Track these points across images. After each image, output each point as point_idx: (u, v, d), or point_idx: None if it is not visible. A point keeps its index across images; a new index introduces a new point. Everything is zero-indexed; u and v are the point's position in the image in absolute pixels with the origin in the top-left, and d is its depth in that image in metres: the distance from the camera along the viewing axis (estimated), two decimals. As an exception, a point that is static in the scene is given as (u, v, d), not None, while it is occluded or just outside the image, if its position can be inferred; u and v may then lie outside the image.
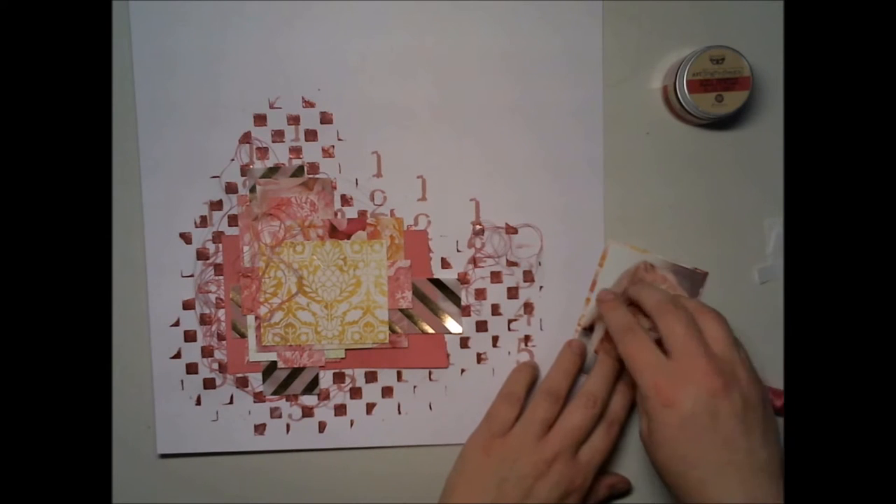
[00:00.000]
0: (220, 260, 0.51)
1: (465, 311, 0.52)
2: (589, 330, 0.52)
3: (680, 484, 0.43)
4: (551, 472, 0.46)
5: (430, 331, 0.52)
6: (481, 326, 0.52)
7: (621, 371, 0.50)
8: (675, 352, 0.44)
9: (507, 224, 0.52)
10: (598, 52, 0.51)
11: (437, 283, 0.52)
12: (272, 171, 0.51)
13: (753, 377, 0.44)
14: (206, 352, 0.52)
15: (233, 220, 0.51)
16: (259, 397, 0.52)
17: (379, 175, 0.51)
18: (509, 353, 0.52)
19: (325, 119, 0.51)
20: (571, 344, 0.51)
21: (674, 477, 0.43)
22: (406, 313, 0.52)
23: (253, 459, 0.52)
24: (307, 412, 0.52)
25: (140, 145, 0.51)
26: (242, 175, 0.51)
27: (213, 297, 0.52)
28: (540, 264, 0.52)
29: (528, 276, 0.52)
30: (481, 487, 0.47)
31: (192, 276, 0.51)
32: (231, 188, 0.51)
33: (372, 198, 0.51)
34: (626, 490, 0.52)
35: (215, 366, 0.52)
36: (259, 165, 0.51)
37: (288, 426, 0.52)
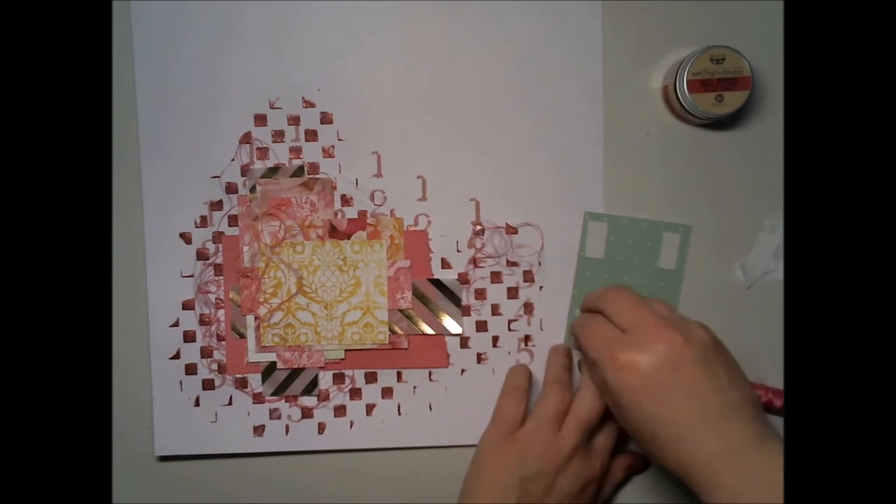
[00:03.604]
0: (219, 260, 0.51)
1: (465, 311, 0.52)
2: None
3: (656, 446, 0.42)
4: (571, 465, 0.47)
5: (430, 331, 0.52)
6: (481, 326, 0.52)
7: None
8: (626, 324, 0.44)
9: (507, 224, 0.52)
10: (598, 52, 0.51)
11: (437, 284, 0.52)
12: (272, 171, 0.51)
13: (703, 327, 0.44)
14: (206, 352, 0.52)
15: (233, 220, 0.51)
16: (258, 398, 0.52)
17: (379, 175, 0.51)
18: (509, 353, 0.52)
19: (326, 119, 0.51)
20: (556, 347, 0.51)
21: (648, 441, 0.42)
22: (406, 314, 0.52)
23: (252, 461, 0.52)
24: (307, 413, 0.52)
25: (140, 145, 0.51)
26: (243, 175, 0.51)
27: (212, 297, 0.51)
28: (540, 264, 0.52)
29: (528, 276, 0.52)
30: (503, 488, 0.46)
31: (191, 276, 0.51)
32: (231, 188, 0.51)
33: (372, 198, 0.51)
34: (642, 468, 0.52)
35: (214, 366, 0.52)
36: (259, 165, 0.51)
37: (287, 427, 0.52)
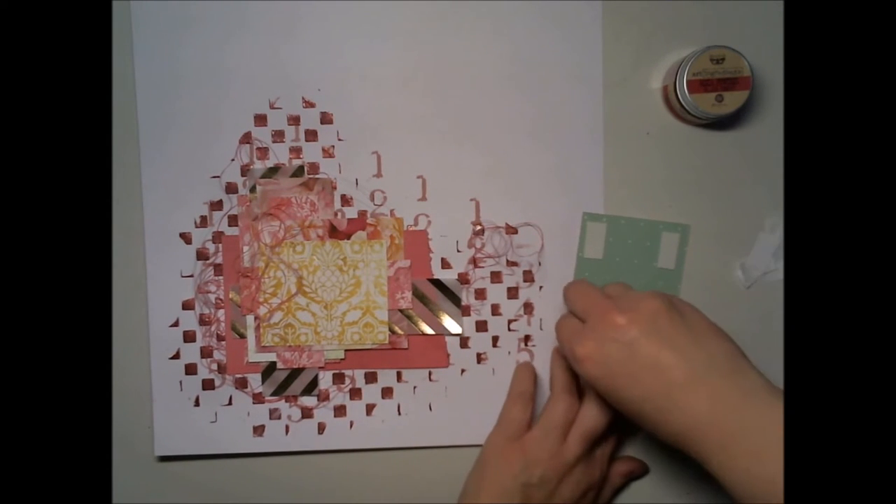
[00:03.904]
0: (219, 260, 0.51)
1: (465, 311, 0.52)
2: None
3: (647, 423, 0.42)
4: (573, 474, 0.47)
5: (430, 331, 0.52)
6: (481, 326, 0.52)
7: None
8: (582, 314, 0.44)
9: (507, 224, 0.52)
10: (598, 52, 0.51)
11: (437, 284, 0.52)
12: (272, 171, 0.51)
13: (654, 295, 0.43)
14: (206, 352, 0.52)
15: (233, 220, 0.51)
16: (258, 398, 0.52)
17: (379, 175, 0.51)
18: (509, 353, 0.52)
19: (326, 119, 0.51)
20: (559, 350, 0.50)
21: (638, 419, 0.42)
22: (406, 314, 0.52)
23: (252, 461, 0.52)
24: (306, 413, 0.52)
25: (141, 145, 0.51)
26: (243, 175, 0.51)
27: (212, 297, 0.51)
28: (540, 264, 0.52)
29: (528, 276, 0.52)
30: (505, 492, 0.47)
31: (191, 276, 0.51)
32: (231, 188, 0.51)
33: (372, 198, 0.51)
34: (641, 473, 0.52)
35: (214, 366, 0.52)
36: (259, 165, 0.51)
37: (287, 427, 0.52)
